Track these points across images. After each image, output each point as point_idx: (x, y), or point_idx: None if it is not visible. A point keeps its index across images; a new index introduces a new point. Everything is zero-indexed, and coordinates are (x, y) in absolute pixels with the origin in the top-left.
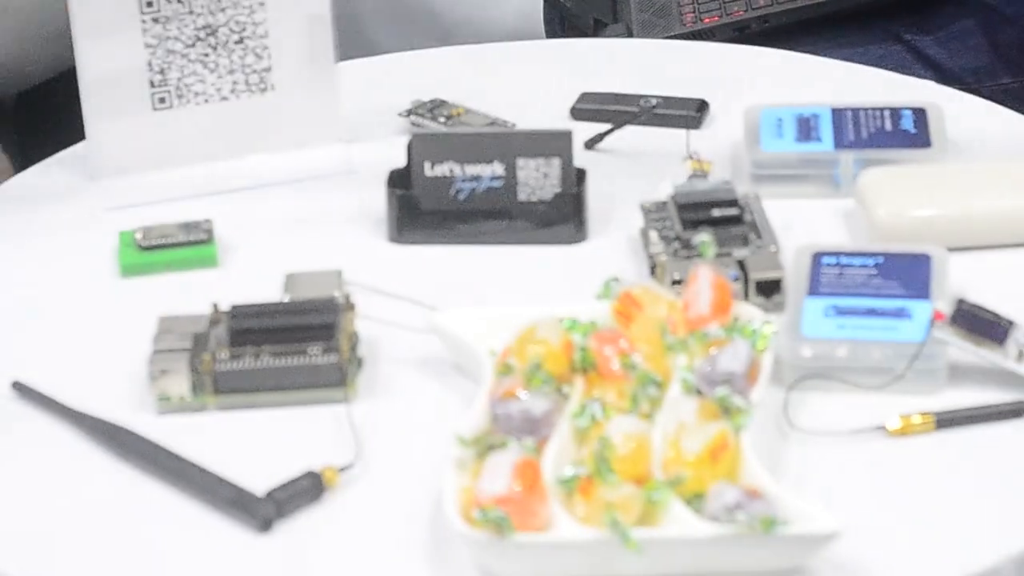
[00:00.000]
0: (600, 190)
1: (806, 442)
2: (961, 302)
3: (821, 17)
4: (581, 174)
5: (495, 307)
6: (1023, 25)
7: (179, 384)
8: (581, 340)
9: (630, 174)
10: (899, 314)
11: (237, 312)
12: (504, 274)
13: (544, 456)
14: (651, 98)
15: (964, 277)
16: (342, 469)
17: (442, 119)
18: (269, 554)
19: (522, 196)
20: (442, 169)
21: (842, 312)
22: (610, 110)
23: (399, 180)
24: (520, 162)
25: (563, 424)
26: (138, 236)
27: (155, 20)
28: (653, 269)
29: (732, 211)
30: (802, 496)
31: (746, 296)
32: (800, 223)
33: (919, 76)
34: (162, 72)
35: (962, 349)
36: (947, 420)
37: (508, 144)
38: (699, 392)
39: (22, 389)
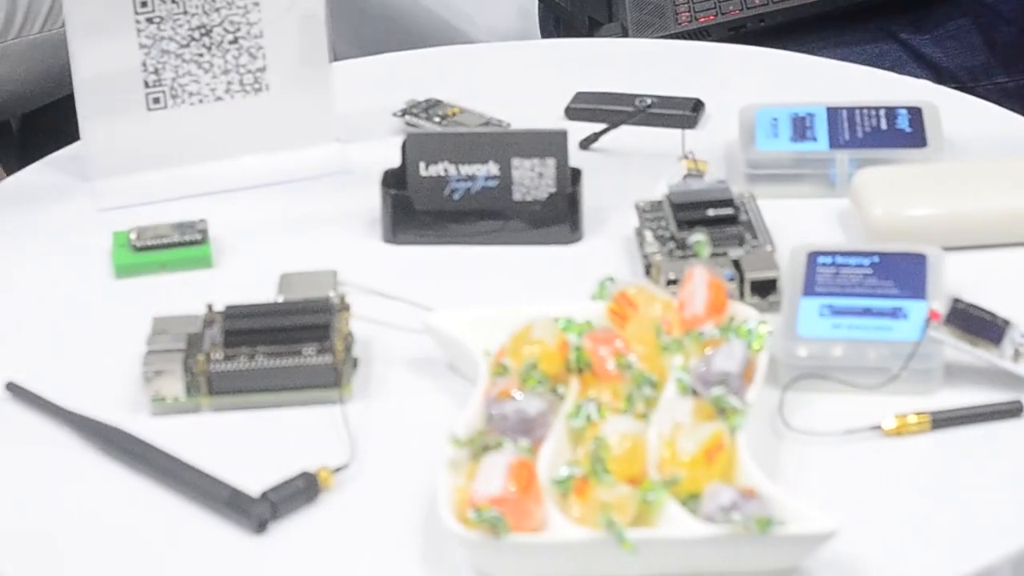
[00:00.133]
0: (595, 190)
1: (802, 442)
2: (957, 301)
3: (816, 16)
4: (576, 174)
5: (490, 307)
6: (1019, 24)
7: (173, 385)
8: (576, 340)
9: (625, 174)
10: (895, 314)
11: (231, 312)
12: (499, 274)
13: (539, 456)
14: (646, 98)
15: (960, 277)
16: (337, 470)
17: (437, 119)
18: (264, 555)
19: (517, 196)
20: (437, 169)
21: (838, 312)
22: (605, 110)
23: (394, 180)
24: (515, 162)
25: (558, 424)
26: (132, 236)
27: (149, 20)
28: (648, 269)
29: (727, 211)
30: (798, 496)
31: (741, 296)
32: (795, 223)
33: (915, 75)
34: (156, 72)
35: (958, 349)
36: (943, 420)
37: (503, 144)
38: (694, 392)
39: (16, 390)
